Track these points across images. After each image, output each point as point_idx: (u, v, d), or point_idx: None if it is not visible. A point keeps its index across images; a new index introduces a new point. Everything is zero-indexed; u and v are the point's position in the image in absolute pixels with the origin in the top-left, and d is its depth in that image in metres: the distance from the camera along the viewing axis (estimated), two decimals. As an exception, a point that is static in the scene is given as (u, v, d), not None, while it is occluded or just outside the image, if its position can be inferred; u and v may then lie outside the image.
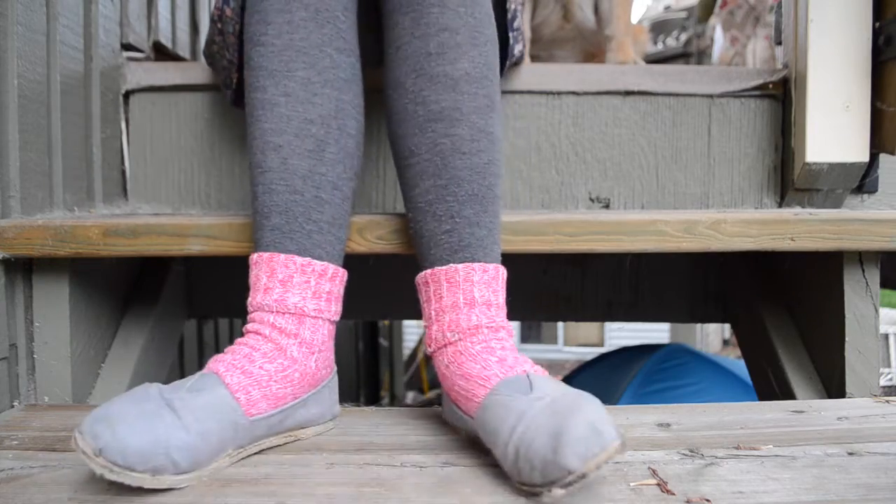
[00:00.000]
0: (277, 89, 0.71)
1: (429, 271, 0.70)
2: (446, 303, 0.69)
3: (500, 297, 0.70)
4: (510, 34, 0.96)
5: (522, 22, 0.99)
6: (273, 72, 0.71)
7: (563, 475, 0.50)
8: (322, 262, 0.70)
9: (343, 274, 0.73)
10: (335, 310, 0.71)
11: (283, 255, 0.69)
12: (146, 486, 0.54)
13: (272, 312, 0.68)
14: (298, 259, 0.69)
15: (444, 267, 0.69)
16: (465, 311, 0.68)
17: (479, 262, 0.69)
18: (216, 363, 0.64)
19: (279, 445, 0.68)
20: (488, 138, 0.72)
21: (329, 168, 0.72)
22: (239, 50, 0.92)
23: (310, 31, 0.72)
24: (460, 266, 0.69)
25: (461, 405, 0.67)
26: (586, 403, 0.55)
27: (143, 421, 0.54)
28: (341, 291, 0.73)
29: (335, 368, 0.74)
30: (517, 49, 0.99)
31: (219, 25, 0.91)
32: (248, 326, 0.69)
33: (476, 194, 0.71)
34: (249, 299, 0.69)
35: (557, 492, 0.51)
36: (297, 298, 0.68)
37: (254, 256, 0.70)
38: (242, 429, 0.61)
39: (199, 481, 0.58)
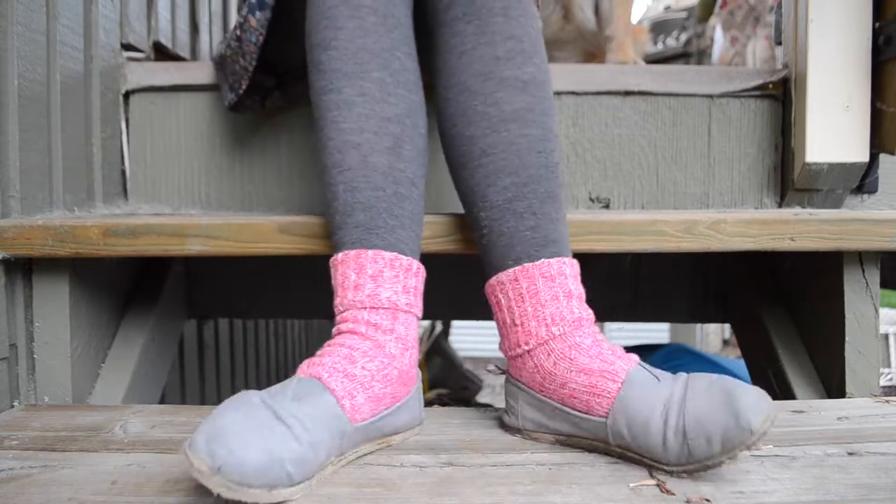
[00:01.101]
0: (353, 90, 0.72)
1: (518, 268, 0.69)
2: (544, 297, 0.68)
3: (580, 289, 0.71)
4: None
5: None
6: (348, 73, 0.72)
7: (746, 437, 0.55)
8: (407, 258, 0.70)
9: (423, 270, 0.73)
10: (420, 305, 0.72)
11: (370, 251, 0.69)
12: (262, 502, 0.52)
13: (366, 308, 0.67)
14: (386, 254, 0.69)
15: (535, 262, 0.69)
16: (566, 303, 0.68)
17: (565, 256, 0.70)
18: (317, 367, 0.62)
19: (373, 452, 0.66)
20: (556, 140, 0.75)
21: (406, 164, 0.73)
22: (260, 58, 0.93)
23: (380, 35, 0.74)
24: (553, 261, 0.69)
25: (580, 405, 0.65)
26: (725, 378, 0.60)
27: (256, 434, 0.52)
28: (422, 288, 0.73)
29: (419, 372, 0.73)
30: None
31: (238, 32, 0.92)
32: (342, 326, 0.68)
33: (552, 192, 0.72)
34: (338, 300, 0.69)
35: (743, 453, 0.56)
36: (390, 293, 0.68)
37: (338, 256, 0.70)
38: (347, 436, 0.61)
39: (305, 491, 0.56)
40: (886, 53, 0.95)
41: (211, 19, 1.47)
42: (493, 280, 0.72)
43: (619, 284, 1.30)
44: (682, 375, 0.63)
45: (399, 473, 0.61)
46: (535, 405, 0.69)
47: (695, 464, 0.58)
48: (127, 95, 1.10)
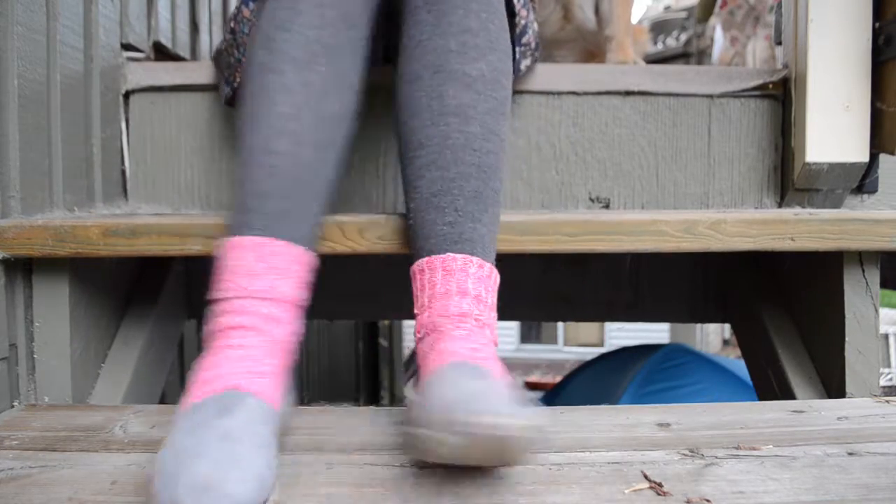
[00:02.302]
0: (299, 77, 0.71)
1: (425, 259, 0.70)
2: (439, 290, 0.68)
3: (491, 298, 0.70)
4: (517, 49, 0.97)
5: (533, 37, 1.00)
6: (297, 60, 0.71)
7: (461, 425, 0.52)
8: (312, 254, 0.71)
9: (316, 265, 0.72)
10: (307, 299, 0.71)
11: (279, 241, 0.67)
12: None
13: (265, 300, 0.65)
14: (293, 247, 0.68)
15: (441, 255, 0.69)
16: (457, 299, 0.68)
17: (477, 256, 0.70)
18: (230, 378, 0.60)
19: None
20: (498, 142, 0.74)
21: (329, 164, 0.72)
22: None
23: (338, 30, 0.73)
24: (458, 256, 0.69)
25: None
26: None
27: (233, 464, 0.51)
28: (310, 283, 0.72)
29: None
30: (524, 64, 1.00)
31: (232, 24, 0.92)
32: (229, 319, 0.64)
33: (480, 193, 0.71)
34: (224, 285, 0.65)
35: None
36: (288, 287, 0.67)
37: (237, 239, 0.67)
38: (276, 425, 0.61)
39: None
40: (886, 53, 0.95)
41: (211, 19, 1.47)
42: (412, 267, 0.72)
43: (619, 284, 1.30)
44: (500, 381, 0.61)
45: (399, 473, 0.61)
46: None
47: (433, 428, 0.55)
48: (127, 95, 1.10)
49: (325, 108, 0.72)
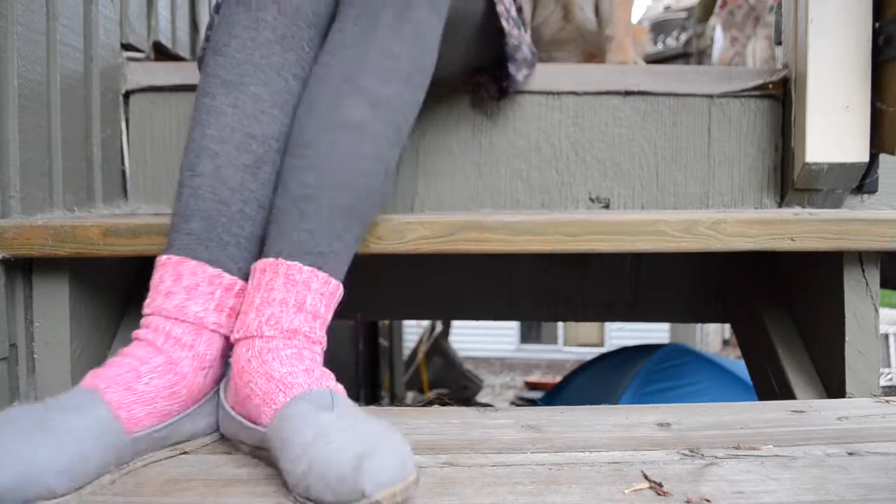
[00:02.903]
0: (227, 99, 0.71)
1: (270, 260, 0.68)
2: (275, 296, 0.66)
3: (329, 314, 0.69)
4: (510, 65, 0.97)
5: (528, 50, 1.00)
6: (227, 82, 0.72)
7: (356, 498, 0.50)
8: (232, 277, 0.69)
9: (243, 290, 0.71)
10: (234, 328, 0.69)
11: (193, 262, 0.67)
12: None
13: (170, 319, 0.66)
14: (210, 269, 0.68)
15: (289, 262, 0.67)
16: (292, 312, 0.66)
17: (326, 273, 0.68)
18: (96, 378, 0.61)
19: (170, 457, 0.65)
20: (385, 167, 0.72)
21: (260, 186, 0.71)
22: None
23: (272, 52, 0.73)
24: (305, 267, 0.67)
25: (250, 412, 0.63)
26: (392, 433, 0.56)
27: (15, 450, 0.52)
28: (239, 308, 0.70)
29: (222, 385, 0.70)
30: (521, 75, 1.01)
31: (208, 32, 0.92)
32: (139, 333, 0.66)
33: (353, 210, 0.70)
34: (147, 301, 0.67)
35: None
36: (199, 308, 0.66)
37: (162, 258, 0.69)
38: (124, 447, 0.59)
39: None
40: (886, 53, 0.95)
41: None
42: (255, 263, 0.70)
43: (619, 284, 1.30)
44: (360, 415, 0.59)
45: (399, 473, 0.61)
46: (227, 408, 0.67)
47: (312, 502, 0.53)
48: (127, 95, 1.10)
49: (256, 129, 0.71)
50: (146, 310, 0.67)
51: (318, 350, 0.67)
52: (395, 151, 0.74)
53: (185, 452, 0.66)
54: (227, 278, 0.69)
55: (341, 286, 0.70)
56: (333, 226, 0.69)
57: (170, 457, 0.65)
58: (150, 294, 0.68)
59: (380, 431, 0.56)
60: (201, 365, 0.66)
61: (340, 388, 0.64)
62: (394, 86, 0.72)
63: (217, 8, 0.88)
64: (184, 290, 0.67)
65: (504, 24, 0.92)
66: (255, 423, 0.62)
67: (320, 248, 0.68)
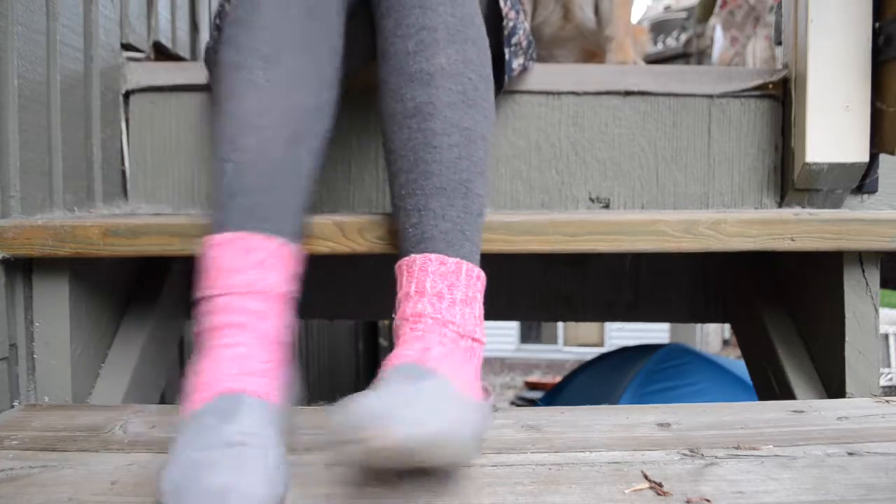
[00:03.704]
0: (265, 73, 0.71)
1: (397, 263, 0.71)
2: (402, 293, 0.68)
3: (460, 292, 0.68)
4: (506, 49, 0.96)
5: (524, 36, 0.99)
6: (263, 55, 0.71)
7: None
8: (293, 245, 0.69)
9: (302, 258, 0.71)
10: (296, 292, 0.70)
11: (258, 235, 0.66)
12: None
13: (247, 294, 0.64)
14: (276, 239, 0.67)
15: (407, 258, 0.69)
16: (414, 299, 0.67)
17: (439, 253, 0.68)
18: (229, 379, 0.59)
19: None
20: (462, 133, 0.72)
21: (304, 159, 0.72)
22: None
23: (302, 25, 0.73)
24: (418, 256, 0.68)
25: None
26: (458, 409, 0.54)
27: (243, 468, 0.51)
28: (299, 275, 0.71)
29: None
30: (516, 63, 1.00)
31: (217, 21, 0.92)
32: (219, 318, 0.63)
33: (444, 188, 0.70)
34: (212, 281, 0.65)
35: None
36: (274, 280, 0.66)
37: (216, 237, 0.67)
38: (285, 419, 0.60)
39: None
40: (886, 53, 0.95)
41: (211, 19, 1.47)
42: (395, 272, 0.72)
43: (619, 284, 1.30)
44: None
45: (399, 473, 0.61)
46: None
47: None
48: (127, 95, 1.10)
49: (294, 102, 0.71)
50: (211, 291, 0.65)
51: (452, 331, 0.65)
52: (470, 110, 0.73)
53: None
54: (291, 247, 0.69)
55: (469, 264, 0.69)
56: (433, 209, 0.70)
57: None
58: (211, 275, 0.65)
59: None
60: (286, 332, 0.66)
61: (455, 360, 0.63)
62: (440, 55, 0.72)
63: None
64: (253, 265, 0.65)
65: (502, 4, 0.92)
66: None
67: (427, 234, 0.69)
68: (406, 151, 0.71)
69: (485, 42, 0.77)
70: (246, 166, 0.68)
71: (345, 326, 3.63)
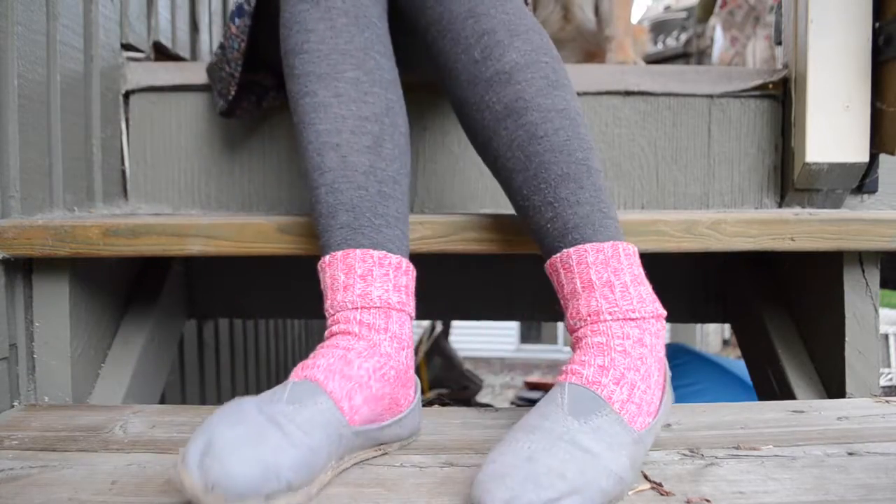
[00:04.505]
0: (328, 91, 0.71)
1: (548, 263, 0.68)
2: (567, 290, 0.66)
3: (627, 275, 0.65)
4: None
5: None
6: (321, 76, 0.72)
7: None
8: (396, 256, 0.69)
9: (413, 269, 0.71)
10: (413, 304, 0.70)
11: (358, 251, 0.67)
12: None
13: (357, 309, 0.66)
14: (375, 252, 0.68)
15: (557, 255, 0.67)
16: (585, 296, 0.64)
17: (590, 241, 0.66)
18: (312, 370, 0.61)
19: (368, 459, 0.64)
20: (561, 114, 0.71)
21: (388, 163, 0.72)
22: (244, 65, 0.93)
23: (352, 34, 0.73)
24: (571, 250, 0.66)
25: None
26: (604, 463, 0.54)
27: (251, 444, 0.51)
28: (413, 287, 0.72)
29: (418, 382, 0.71)
30: None
31: (222, 40, 0.93)
32: (333, 328, 0.66)
33: (567, 173, 0.68)
34: (328, 302, 0.67)
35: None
36: (381, 291, 0.66)
37: (325, 259, 0.69)
38: (345, 439, 0.59)
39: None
40: (886, 53, 0.95)
41: (211, 19, 1.47)
42: (546, 268, 0.70)
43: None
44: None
45: (399, 473, 0.61)
46: None
47: None
48: (127, 95, 1.10)
49: (365, 110, 0.72)
50: (329, 311, 0.67)
51: (631, 329, 0.64)
52: (557, 91, 0.72)
53: (385, 453, 0.66)
54: (394, 258, 0.68)
55: (622, 242, 0.67)
56: (565, 198, 0.68)
57: (374, 457, 0.65)
58: (328, 295, 0.68)
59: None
60: (400, 345, 0.66)
61: (633, 376, 0.61)
62: (510, 52, 0.71)
63: (233, 16, 0.89)
64: (360, 279, 0.66)
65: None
66: None
67: (569, 224, 0.67)
68: (513, 152, 0.70)
69: (541, 28, 0.77)
70: (335, 184, 0.70)
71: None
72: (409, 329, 0.68)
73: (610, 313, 0.63)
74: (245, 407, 0.55)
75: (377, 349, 0.64)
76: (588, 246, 0.65)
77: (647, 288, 0.67)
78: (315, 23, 0.73)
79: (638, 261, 0.67)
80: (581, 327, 0.65)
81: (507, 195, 0.74)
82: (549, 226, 0.68)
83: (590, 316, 0.64)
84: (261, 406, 0.55)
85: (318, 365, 0.61)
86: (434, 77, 0.79)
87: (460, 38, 0.73)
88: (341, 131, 0.71)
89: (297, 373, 0.61)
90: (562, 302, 0.68)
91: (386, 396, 0.64)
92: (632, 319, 0.64)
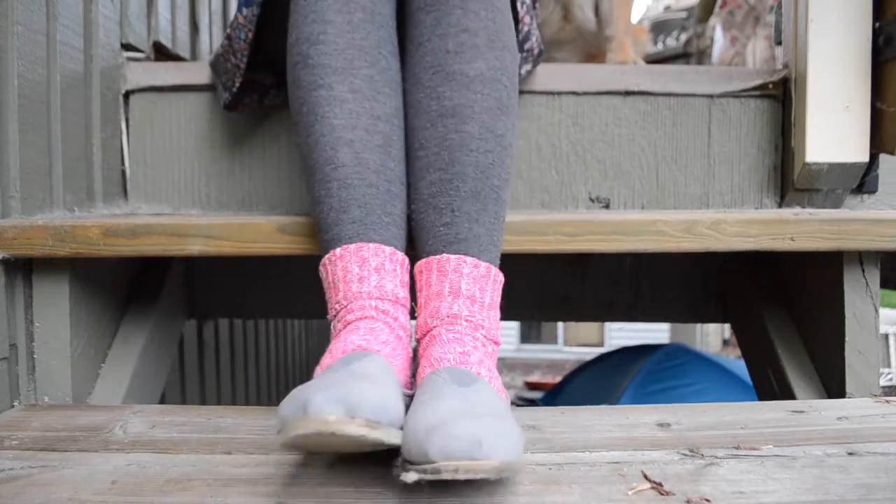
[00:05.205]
0: (344, 86, 0.71)
1: (423, 261, 0.71)
2: (433, 290, 0.69)
3: (488, 296, 0.70)
4: (520, 55, 0.96)
5: (536, 44, 1.00)
6: (338, 69, 0.72)
7: (421, 461, 0.51)
8: (402, 253, 0.71)
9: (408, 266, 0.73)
10: (407, 300, 0.72)
11: (371, 245, 0.68)
12: (392, 441, 0.52)
13: (373, 299, 0.67)
14: (386, 248, 0.69)
15: (437, 256, 0.70)
16: (449, 300, 0.68)
17: (473, 256, 0.69)
18: (360, 341, 0.62)
19: None
20: (497, 140, 0.73)
21: (395, 164, 0.73)
22: (258, 55, 0.93)
23: (368, 31, 0.73)
24: (452, 256, 0.69)
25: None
26: (511, 423, 0.54)
27: (339, 389, 0.51)
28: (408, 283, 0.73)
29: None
30: (524, 69, 1.00)
31: (229, 31, 0.93)
32: (348, 317, 0.67)
33: (479, 192, 0.71)
34: (340, 294, 0.68)
35: (410, 476, 0.50)
36: (392, 286, 0.68)
37: (336, 252, 0.69)
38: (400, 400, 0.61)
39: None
40: (886, 53, 0.95)
41: (211, 19, 1.47)
42: (414, 268, 0.72)
43: (618, 284, 1.30)
44: (494, 400, 0.58)
45: (399, 473, 0.61)
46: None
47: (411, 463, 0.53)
48: (127, 95, 1.10)
49: (378, 109, 0.72)
50: (341, 303, 0.68)
51: (483, 336, 0.67)
52: (505, 118, 0.74)
53: None
54: (400, 255, 0.71)
55: (497, 270, 0.71)
56: (467, 212, 0.70)
57: None
58: (341, 286, 0.68)
59: (496, 411, 0.55)
60: (406, 334, 0.68)
61: (490, 365, 0.64)
62: (479, 60, 0.72)
63: (241, 6, 0.89)
64: (374, 272, 0.68)
65: (520, 7, 0.92)
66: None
67: (461, 236, 0.69)
68: (440, 150, 0.71)
69: (516, 48, 0.78)
70: (348, 180, 0.70)
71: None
72: (408, 323, 0.70)
73: (467, 320, 0.66)
74: (326, 376, 0.56)
75: (394, 329, 0.67)
76: (468, 259, 0.68)
77: (497, 315, 0.70)
78: (333, 14, 0.72)
79: (500, 290, 0.71)
80: (436, 326, 0.67)
81: (412, 180, 0.74)
82: (442, 229, 0.70)
83: (448, 317, 0.66)
84: (337, 370, 0.56)
85: (360, 339, 0.63)
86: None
87: (441, 23, 0.73)
88: (355, 128, 0.71)
89: (336, 355, 0.62)
90: (420, 300, 0.70)
91: (405, 370, 0.66)
92: (481, 332, 0.67)
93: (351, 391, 0.51)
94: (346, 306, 0.68)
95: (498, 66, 0.74)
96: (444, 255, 0.69)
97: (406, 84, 0.76)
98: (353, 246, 0.69)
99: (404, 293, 0.70)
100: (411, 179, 0.75)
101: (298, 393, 0.53)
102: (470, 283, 0.68)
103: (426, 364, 0.63)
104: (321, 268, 0.71)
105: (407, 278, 0.71)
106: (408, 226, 0.75)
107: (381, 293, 0.67)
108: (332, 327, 0.69)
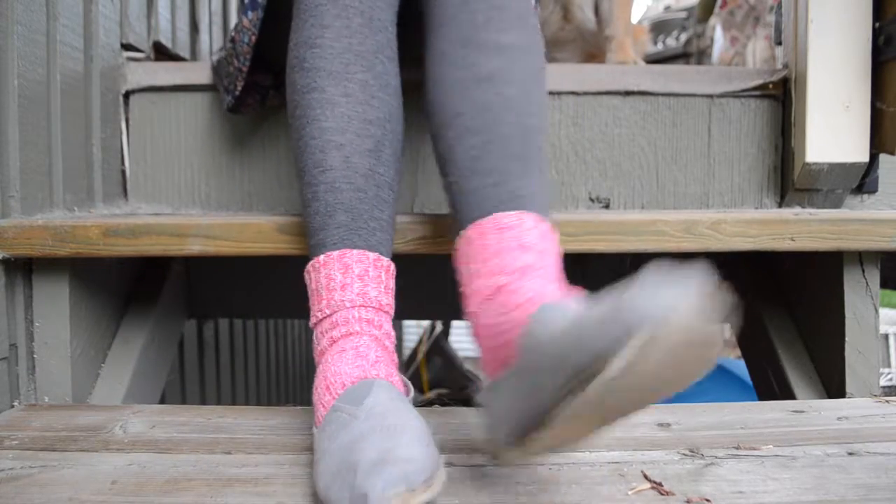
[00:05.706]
0: (337, 90, 0.71)
1: (471, 226, 0.66)
2: (493, 250, 0.63)
3: (549, 258, 0.64)
4: None
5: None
6: (333, 73, 0.71)
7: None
8: (388, 259, 0.70)
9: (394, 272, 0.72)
10: (392, 307, 0.71)
11: (355, 251, 0.68)
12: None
13: (356, 307, 0.66)
14: (370, 254, 0.68)
15: (488, 217, 0.65)
16: (517, 253, 0.62)
17: (533, 212, 0.65)
18: (358, 370, 0.61)
19: None
20: (538, 104, 0.71)
21: (385, 169, 0.72)
22: (259, 57, 0.93)
23: (365, 36, 0.73)
24: (511, 213, 0.64)
25: (489, 363, 0.62)
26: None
27: (417, 439, 0.51)
28: (393, 289, 0.72)
29: (408, 382, 0.69)
30: None
31: (233, 34, 0.93)
32: (334, 333, 0.65)
33: (526, 155, 0.68)
34: (322, 302, 0.67)
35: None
36: (376, 292, 0.68)
37: (320, 258, 0.68)
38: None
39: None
40: (886, 53, 0.95)
41: (211, 19, 1.47)
42: (457, 240, 0.68)
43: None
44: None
45: (399, 473, 0.61)
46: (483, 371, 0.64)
47: None
48: (127, 95, 1.10)
49: (370, 114, 0.72)
50: (323, 311, 0.67)
51: (557, 289, 0.62)
52: (542, 88, 0.72)
53: None
54: (385, 261, 0.70)
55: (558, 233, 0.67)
56: (516, 172, 0.67)
57: None
58: (321, 297, 0.67)
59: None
60: (392, 343, 0.68)
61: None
62: (511, 32, 0.71)
63: (247, 9, 0.89)
64: (357, 279, 0.67)
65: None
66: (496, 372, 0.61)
67: (516, 193, 0.66)
68: (480, 111, 0.69)
69: (538, 28, 0.77)
70: (336, 184, 0.70)
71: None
72: (392, 330, 0.69)
73: (539, 268, 0.62)
74: (345, 426, 0.55)
75: (381, 342, 0.66)
76: (528, 214, 0.64)
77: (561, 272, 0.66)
78: (331, 19, 0.72)
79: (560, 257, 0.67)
80: (508, 282, 0.61)
81: (445, 152, 0.71)
82: (489, 190, 0.66)
83: (521, 269, 0.62)
84: (349, 415, 0.56)
85: (356, 366, 0.62)
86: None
87: (469, 2, 0.72)
88: (346, 131, 0.70)
89: (335, 389, 0.61)
90: (477, 265, 0.65)
91: (398, 382, 0.65)
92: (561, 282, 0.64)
93: (398, 458, 0.48)
94: (329, 315, 0.67)
95: (530, 41, 0.73)
96: (499, 213, 0.65)
97: (431, 64, 0.74)
98: (336, 253, 0.68)
99: (388, 299, 0.69)
100: (444, 152, 0.71)
101: (343, 471, 0.50)
102: (538, 239, 0.64)
103: (520, 311, 0.58)
104: (305, 274, 0.70)
105: (392, 284, 0.70)
106: (449, 201, 0.71)
107: (364, 300, 0.66)
108: (314, 337, 0.68)
